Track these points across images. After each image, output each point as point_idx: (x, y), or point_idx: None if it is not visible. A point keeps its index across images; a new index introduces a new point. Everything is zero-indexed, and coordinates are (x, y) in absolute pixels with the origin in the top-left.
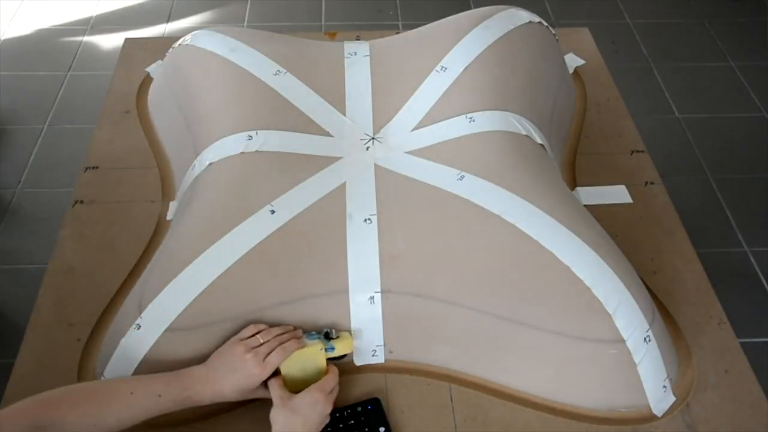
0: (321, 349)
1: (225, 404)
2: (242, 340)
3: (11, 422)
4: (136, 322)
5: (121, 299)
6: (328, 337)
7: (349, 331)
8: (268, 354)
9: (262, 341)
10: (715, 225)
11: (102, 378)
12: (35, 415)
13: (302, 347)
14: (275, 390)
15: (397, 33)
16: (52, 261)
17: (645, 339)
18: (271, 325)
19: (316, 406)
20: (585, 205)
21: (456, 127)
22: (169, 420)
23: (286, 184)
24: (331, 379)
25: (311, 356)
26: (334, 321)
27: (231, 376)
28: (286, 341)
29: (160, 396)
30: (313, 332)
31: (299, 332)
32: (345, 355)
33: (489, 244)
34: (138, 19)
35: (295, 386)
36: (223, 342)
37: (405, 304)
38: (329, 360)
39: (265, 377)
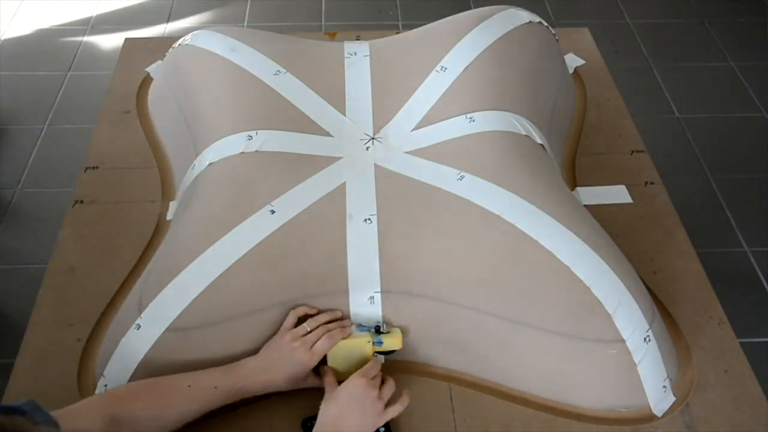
0: (368, 341)
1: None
2: (288, 329)
3: (90, 414)
4: (136, 322)
5: (121, 299)
6: (378, 331)
7: (400, 328)
8: (316, 342)
9: (308, 329)
10: (715, 225)
11: (101, 378)
12: (111, 408)
13: (349, 336)
14: (327, 385)
15: (397, 33)
16: (52, 261)
17: (645, 339)
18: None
19: (355, 391)
20: (585, 205)
21: (456, 127)
22: None
23: (286, 184)
24: (373, 366)
25: (358, 347)
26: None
27: (281, 366)
28: (333, 329)
29: (216, 388)
30: (364, 324)
31: (347, 321)
32: (393, 351)
33: (489, 244)
34: (138, 19)
35: (340, 376)
36: (224, 342)
37: (405, 304)
38: (376, 354)
39: (313, 365)
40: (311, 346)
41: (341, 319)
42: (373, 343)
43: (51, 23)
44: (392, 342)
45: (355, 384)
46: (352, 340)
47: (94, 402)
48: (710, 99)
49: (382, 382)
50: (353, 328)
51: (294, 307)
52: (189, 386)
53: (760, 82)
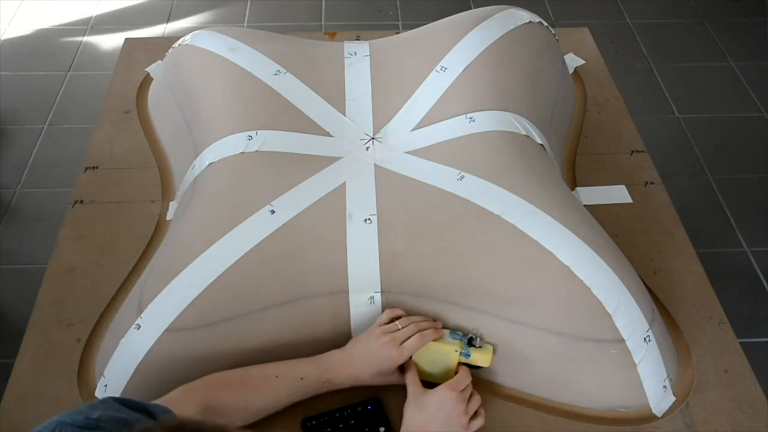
0: (456, 350)
1: None
2: (380, 325)
3: (188, 404)
4: (136, 322)
5: (121, 299)
6: (470, 342)
7: (493, 345)
8: (406, 340)
9: (400, 326)
10: (715, 225)
11: (101, 378)
12: (205, 397)
13: (439, 339)
14: (410, 383)
15: (397, 33)
16: (52, 261)
17: (645, 339)
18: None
19: (445, 404)
20: (585, 205)
21: (456, 127)
22: None
23: (286, 184)
24: (463, 378)
25: (445, 353)
26: (334, 321)
27: (368, 360)
28: (425, 329)
29: (302, 379)
30: (459, 332)
31: (439, 324)
32: (480, 367)
33: (489, 244)
34: (138, 19)
35: (421, 375)
36: (224, 342)
37: (405, 304)
38: (462, 364)
39: (401, 361)
40: (401, 343)
41: (435, 321)
42: (461, 354)
43: (51, 23)
44: (480, 358)
45: (445, 396)
46: (441, 344)
47: (190, 391)
48: (710, 99)
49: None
50: (446, 332)
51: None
52: (276, 377)
53: (760, 82)
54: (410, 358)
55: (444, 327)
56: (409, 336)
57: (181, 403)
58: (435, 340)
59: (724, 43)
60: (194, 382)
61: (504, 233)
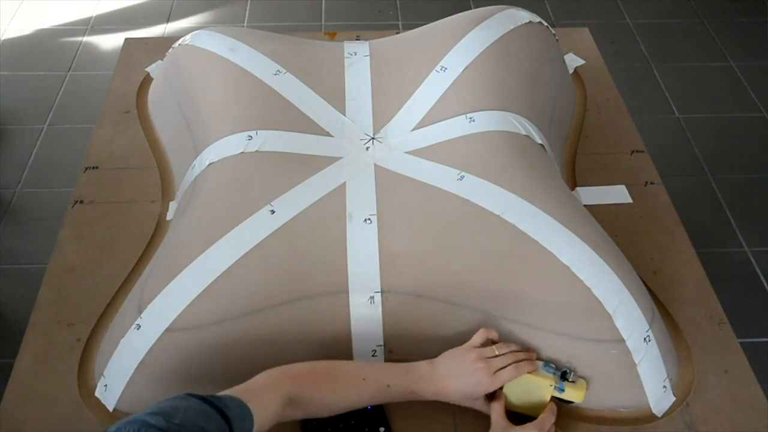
0: (551, 384)
1: None
2: (476, 347)
3: (273, 394)
4: (136, 322)
5: (121, 299)
6: (564, 377)
7: (586, 380)
8: (501, 368)
9: (497, 353)
10: (715, 225)
11: (101, 378)
12: (290, 388)
13: (534, 372)
14: (495, 414)
15: (397, 33)
16: (52, 261)
17: (645, 339)
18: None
19: None
20: (585, 205)
21: (456, 127)
22: None
23: (286, 184)
24: (549, 417)
25: (538, 386)
26: (334, 321)
27: (457, 380)
28: (520, 360)
29: (388, 386)
30: (552, 365)
31: (534, 355)
32: (572, 402)
33: (489, 244)
34: (138, 19)
35: (509, 406)
36: (224, 342)
37: (405, 304)
38: (553, 398)
39: (492, 390)
40: (495, 371)
41: (529, 351)
42: (555, 388)
43: (51, 23)
44: (575, 394)
45: None
46: (536, 377)
47: (274, 381)
48: (710, 99)
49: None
50: (540, 364)
51: (486, 327)
52: (364, 379)
53: (760, 82)
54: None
55: (537, 359)
56: (505, 365)
57: (264, 393)
58: (529, 372)
59: (724, 43)
60: (277, 370)
61: (504, 233)
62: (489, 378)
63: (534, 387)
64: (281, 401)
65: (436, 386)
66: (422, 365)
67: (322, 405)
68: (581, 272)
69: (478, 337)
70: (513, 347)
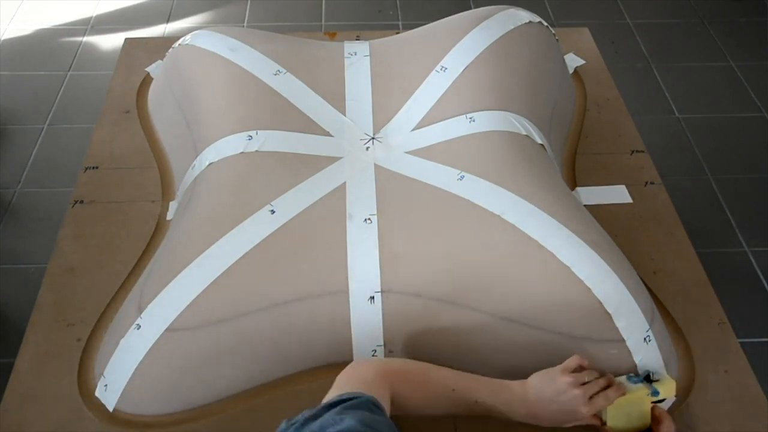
0: (647, 393)
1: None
2: (569, 371)
3: (380, 387)
4: (136, 322)
5: (121, 299)
6: (649, 379)
7: (670, 374)
8: (595, 394)
9: (588, 379)
10: (715, 225)
11: (101, 378)
12: (392, 384)
13: (624, 393)
14: None
15: (397, 33)
16: (52, 261)
17: (645, 339)
18: None
19: None
20: (585, 205)
21: (456, 127)
22: (167, 420)
23: (286, 184)
24: (667, 426)
25: (636, 401)
26: (334, 321)
27: (551, 405)
28: (606, 385)
29: (476, 402)
30: (632, 374)
31: (611, 377)
32: (665, 399)
33: (489, 244)
34: (138, 19)
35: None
36: (224, 341)
37: (405, 304)
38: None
39: (588, 416)
40: (590, 397)
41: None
42: (651, 394)
43: (51, 23)
44: (667, 389)
45: None
46: (631, 395)
47: (380, 376)
48: (710, 99)
49: None
50: (623, 379)
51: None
52: (453, 390)
53: (760, 82)
54: (602, 421)
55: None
56: (598, 390)
57: (376, 388)
58: (621, 394)
59: (724, 43)
60: (377, 363)
61: (504, 233)
62: (586, 407)
63: (634, 405)
64: (387, 397)
65: (529, 409)
66: (514, 386)
67: (413, 407)
68: (581, 272)
69: (572, 362)
70: (600, 373)
